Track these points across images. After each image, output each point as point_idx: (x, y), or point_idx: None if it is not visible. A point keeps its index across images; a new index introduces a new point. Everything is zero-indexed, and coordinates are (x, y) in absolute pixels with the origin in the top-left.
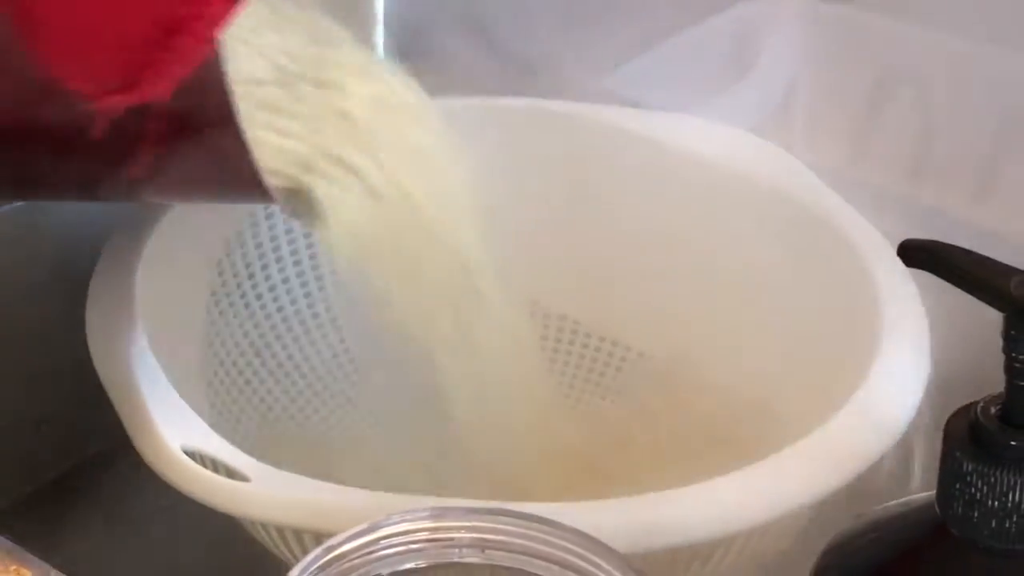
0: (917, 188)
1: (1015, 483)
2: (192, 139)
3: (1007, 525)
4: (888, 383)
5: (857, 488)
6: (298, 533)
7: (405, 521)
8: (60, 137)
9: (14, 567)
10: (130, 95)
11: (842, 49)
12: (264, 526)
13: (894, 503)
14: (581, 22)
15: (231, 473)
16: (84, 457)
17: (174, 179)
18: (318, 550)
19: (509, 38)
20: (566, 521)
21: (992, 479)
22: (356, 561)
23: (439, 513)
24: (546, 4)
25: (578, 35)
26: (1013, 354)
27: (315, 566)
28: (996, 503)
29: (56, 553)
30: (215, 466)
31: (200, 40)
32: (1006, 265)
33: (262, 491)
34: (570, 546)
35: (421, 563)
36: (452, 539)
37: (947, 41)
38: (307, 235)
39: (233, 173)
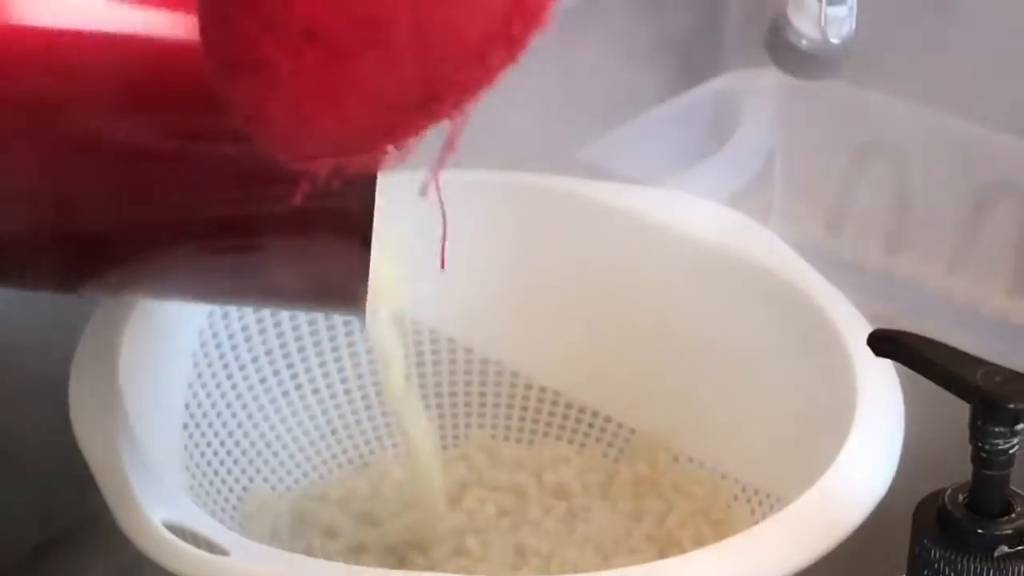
0: (893, 260)
1: (982, 571)
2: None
3: None
4: (860, 462)
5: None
6: None
7: None
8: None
9: None
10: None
11: (819, 121)
12: None
13: None
14: (559, 90)
15: (211, 547)
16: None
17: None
18: None
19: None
20: None
21: (960, 567)
22: None
23: None
24: (531, 78)
25: (556, 105)
26: (979, 444)
27: None
28: None
29: None
30: (196, 540)
31: (458, 108)
32: (972, 356)
33: (241, 565)
34: None
35: None
36: None
37: (924, 114)
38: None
39: (340, 281)
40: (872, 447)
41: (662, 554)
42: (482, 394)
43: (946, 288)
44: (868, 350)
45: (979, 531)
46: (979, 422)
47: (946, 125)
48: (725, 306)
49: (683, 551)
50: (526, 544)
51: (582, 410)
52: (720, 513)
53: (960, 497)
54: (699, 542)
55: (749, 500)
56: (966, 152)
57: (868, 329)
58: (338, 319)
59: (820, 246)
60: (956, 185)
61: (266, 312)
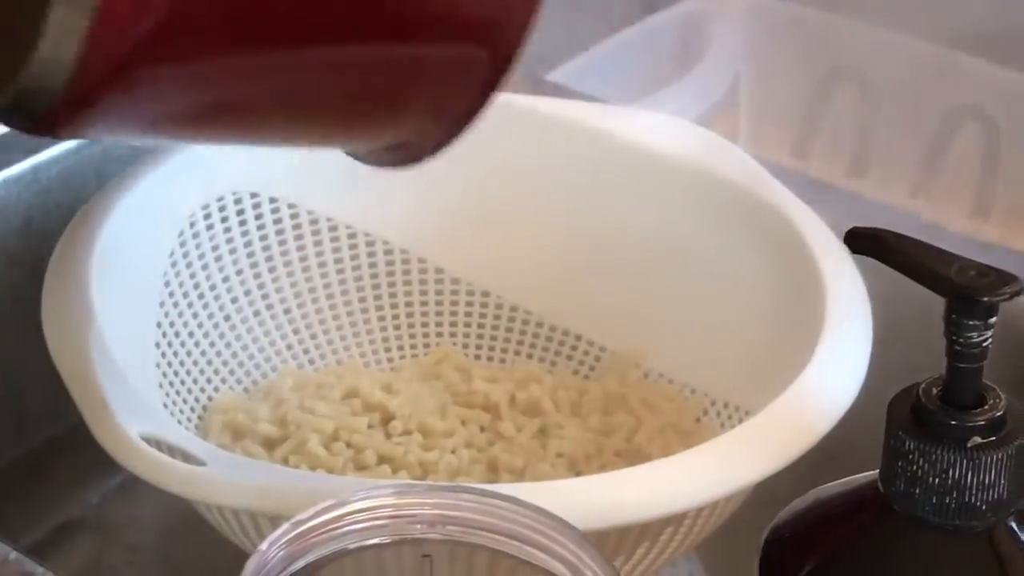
0: (859, 183)
1: (955, 461)
2: None
3: (947, 502)
4: (831, 366)
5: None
6: (254, 517)
7: (370, 498)
8: None
9: None
10: None
11: (786, 46)
12: (221, 510)
13: (837, 482)
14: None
15: (187, 458)
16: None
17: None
18: (286, 525)
19: None
20: (525, 499)
21: (933, 457)
22: (322, 536)
23: (402, 490)
24: None
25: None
26: (954, 337)
27: (283, 540)
28: (937, 480)
29: (14, 537)
30: (172, 452)
31: None
32: (948, 252)
33: (218, 475)
34: (529, 522)
35: (385, 539)
36: (415, 515)
37: (891, 39)
38: (261, 227)
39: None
40: (841, 356)
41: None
42: (453, 313)
43: (912, 209)
44: (838, 262)
45: (953, 423)
46: (954, 316)
47: (912, 49)
48: (694, 222)
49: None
50: (500, 460)
51: (553, 328)
52: (689, 427)
53: (934, 390)
54: (668, 455)
55: (719, 414)
56: (932, 76)
57: (836, 241)
58: (308, 237)
59: (787, 168)
60: (922, 108)
61: (236, 232)
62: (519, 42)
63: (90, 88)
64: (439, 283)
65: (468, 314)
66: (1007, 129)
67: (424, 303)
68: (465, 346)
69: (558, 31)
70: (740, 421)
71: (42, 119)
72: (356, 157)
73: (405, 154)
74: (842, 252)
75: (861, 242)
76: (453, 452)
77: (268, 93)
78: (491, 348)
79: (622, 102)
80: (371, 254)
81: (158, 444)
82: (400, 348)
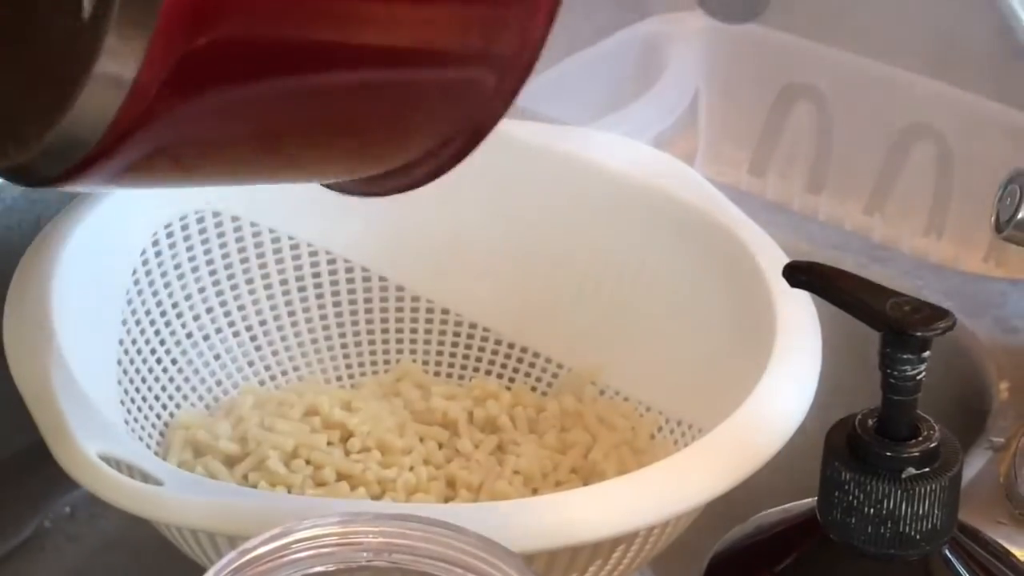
0: (815, 200)
1: (889, 492)
2: None
3: (882, 531)
4: (780, 386)
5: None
6: (211, 536)
7: (316, 526)
8: None
9: None
10: None
11: (743, 65)
12: (179, 530)
13: (779, 508)
14: None
15: (145, 478)
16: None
17: None
18: (233, 553)
19: None
20: (470, 522)
21: (868, 488)
22: (269, 564)
23: (348, 519)
24: None
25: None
26: (888, 371)
27: (229, 568)
28: (872, 511)
29: None
30: (131, 472)
31: None
32: (882, 287)
33: (175, 495)
34: (472, 550)
35: (330, 566)
36: (360, 543)
37: (845, 58)
38: (223, 245)
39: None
40: (789, 378)
41: (586, 484)
42: (413, 331)
43: (865, 227)
44: (786, 286)
45: (887, 454)
46: (888, 350)
47: (866, 68)
48: (650, 243)
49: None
50: (457, 477)
51: (511, 346)
52: (644, 444)
53: (869, 422)
54: (622, 472)
55: (672, 431)
56: (885, 95)
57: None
58: (270, 255)
59: (744, 186)
60: (875, 127)
61: (198, 250)
62: (525, 76)
63: (104, 156)
64: (400, 301)
65: (428, 331)
66: (959, 149)
67: (384, 321)
68: (425, 363)
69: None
70: (693, 438)
71: (55, 178)
72: (343, 189)
73: (400, 182)
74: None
75: (798, 276)
76: (411, 469)
77: (288, 133)
78: (451, 365)
79: (582, 122)
80: (332, 272)
81: (117, 464)
82: (361, 365)
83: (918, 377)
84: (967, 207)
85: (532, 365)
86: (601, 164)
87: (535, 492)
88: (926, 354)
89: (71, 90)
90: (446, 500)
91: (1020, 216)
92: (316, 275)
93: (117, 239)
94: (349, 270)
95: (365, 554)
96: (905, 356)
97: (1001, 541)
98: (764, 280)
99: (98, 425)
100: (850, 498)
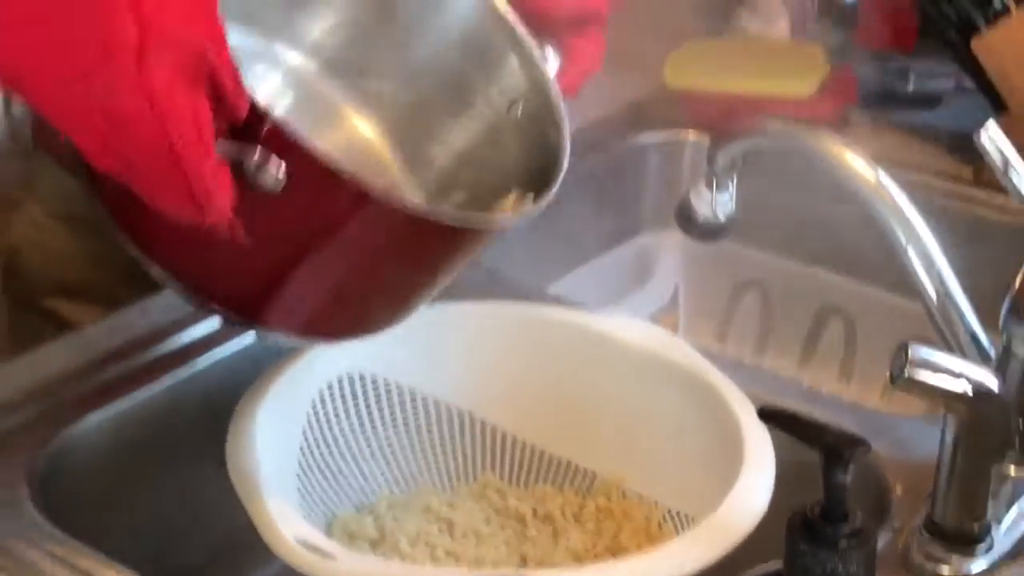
0: (761, 359)
1: (831, 556)
2: None
3: None
4: (748, 491)
5: None
6: None
7: None
8: None
9: None
10: None
11: (710, 265)
12: None
13: (752, 570)
14: (535, 247)
15: (323, 555)
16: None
17: None
18: None
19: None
20: None
21: (818, 555)
22: None
23: None
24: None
25: (534, 255)
26: (827, 478)
27: None
28: (820, 570)
29: None
30: (314, 550)
31: None
32: (822, 423)
33: (346, 566)
34: None
35: None
36: None
37: (780, 261)
38: (365, 395)
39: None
40: (754, 484)
41: (615, 559)
42: (493, 453)
43: (797, 377)
44: (751, 418)
45: (830, 531)
46: (827, 464)
47: (794, 268)
48: (653, 389)
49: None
50: (527, 553)
51: (560, 461)
52: (655, 530)
53: (816, 510)
54: (642, 550)
55: (673, 520)
56: (808, 285)
57: (748, 403)
58: (395, 401)
59: (712, 350)
60: (802, 308)
61: (350, 399)
62: None
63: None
64: (483, 431)
65: (503, 452)
66: (861, 323)
67: (473, 445)
68: (501, 476)
69: (554, 258)
70: (688, 525)
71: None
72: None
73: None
74: (753, 412)
75: (768, 417)
76: (495, 548)
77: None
78: (519, 475)
79: (598, 306)
80: (436, 412)
81: (304, 544)
82: (458, 477)
83: (847, 482)
84: (868, 363)
85: (576, 475)
86: (617, 335)
87: (579, 564)
88: (851, 467)
89: None
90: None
91: (906, 374)
92: (427, 415)
93: (300, 390)
94: (448, 409)
95: None
96: (839, 469)
97: None
98: (733, 414)
99: (290, 518)
100: (805, 561)
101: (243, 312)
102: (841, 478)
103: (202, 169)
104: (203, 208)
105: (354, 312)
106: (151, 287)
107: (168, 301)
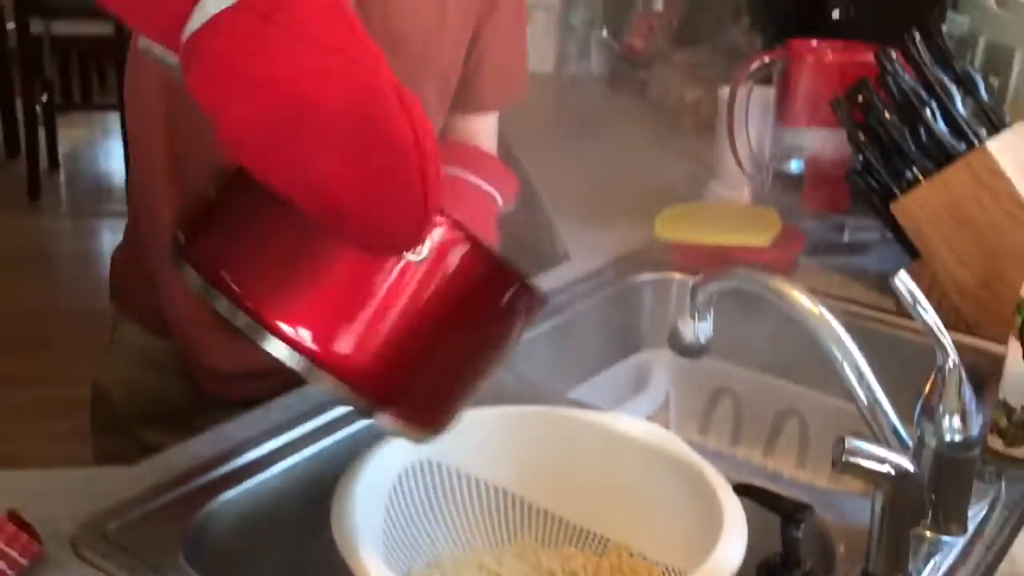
0: (734, 449)
1: None
2: None
3: None
4: (727, 550)
5: None
6: None
7: None
8: None
9: None
10: None
11: (693, 378)
12: None
13: None
14: (556, 362)
15: None
16: None
17: None
18: None
19: (518, 369)
20: None
21: None
22: None
23: None
24: (539, 350)
25: (556, 368)
26: (784, 535)
27: None
28: None
29: None
30: None
31: None
32: (781, 494)
33: None
34: None
35: None
36: None
37: (748, 372)
38: (435, 476)
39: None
40: (732, 543)
41: None
42: (529, 521)
43: (763, 463)
44: (728, 494)
45: (787, 574)
46: (784, 524)
47: (760, 379)
48: (652, 472)
49: None
50: None
51: (581, 529)
52: None
53: (778, 559)
54: None
55: (670, 574)
56: (771, 392)
57: (726, 484)
58: (462, 483)
59: (696, 442)
60: (766, 410)
61: (425, 479)
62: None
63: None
64: (522, 505)
65: (538, 522)
66: (812, 421)
67: (514, 516)
68: (537, 539)
69: (572, 371)
70: None
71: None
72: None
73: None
74: (728, 489)
75: (741, 490)
76: None
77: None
78: (550, 539)
79: (608, 408)
80: (486, 490)
81: None
82: (504, 541)
83: (799, 538)
84: (818, 452)
85: (593, 539)
86: (625, 430)
87: None
88: (803, 526)
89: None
90: None
91: (844, 460)
92: (479, 492)
93: (384, 472)
94: (495, 488)
95: None
96: (793, 528)
97: None
98: (715, 491)
99: (380, 571)
100: None
101: (384, 401)
102: (795, 534)
103: (438, 176)
104: (428, 212)
105: (458, 402)
106: (215, 415)
107: (267, 415)
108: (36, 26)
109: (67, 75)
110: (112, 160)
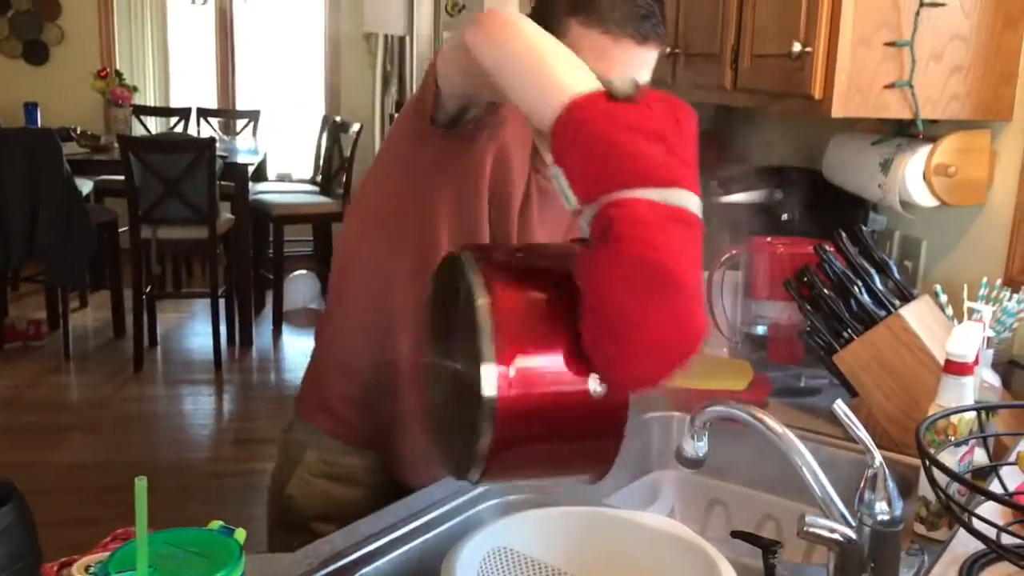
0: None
1: None
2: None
3: None
4: None
5: None
6: None
7: None
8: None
9: None
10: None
11: (693, 491)
12: None
13: None
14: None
15: None
16: None
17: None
18: None
19: (564, 482)
20: None
21: None
22: None
23: None
24: None
25: (589, 486)
26: (765, 561)
27: None
28: None
29: None
30: None
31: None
32: (764, 537)
33: None
34: None
35: None
36: None
37: (731, 486)
38: (504, 558)
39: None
40: None
41: None
42: None
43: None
44: (725, 564)
45: None
46: (764, 556)
47: (744, 491)
48: (670, 554)
49: None
50: None
51: None
52: None
53: None
54: None
55: None
56: (749, 503)
57: (724, 558)
58: (518, 561)
59: (697, 528)
60: (748, 515)
61: (498, 557)
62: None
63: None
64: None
65: None
66: (784, 523)
67: None
68: None
69: (602, 486)
70: None
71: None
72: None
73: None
74: (726, 561)
75: (736, 535)
76: None
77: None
78: None
79: (636, 508)
80: (544, 568)
81: None
82: None
83: (775, 563)
84: (790, 547)
85: None
86: (649, 524)
87: None
88: (778, 556)
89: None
90: None
91: (805, 530)
92: (540, 570)
93: (476, 552)
94: (552, 568)
95: None
96: (771, 556)
97: None
98: (718, 566)
99: None
100: None
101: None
102: (772, 560)
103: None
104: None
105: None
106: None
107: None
108: (145, 231)
109: (163, 269)
110: (197, 338)
